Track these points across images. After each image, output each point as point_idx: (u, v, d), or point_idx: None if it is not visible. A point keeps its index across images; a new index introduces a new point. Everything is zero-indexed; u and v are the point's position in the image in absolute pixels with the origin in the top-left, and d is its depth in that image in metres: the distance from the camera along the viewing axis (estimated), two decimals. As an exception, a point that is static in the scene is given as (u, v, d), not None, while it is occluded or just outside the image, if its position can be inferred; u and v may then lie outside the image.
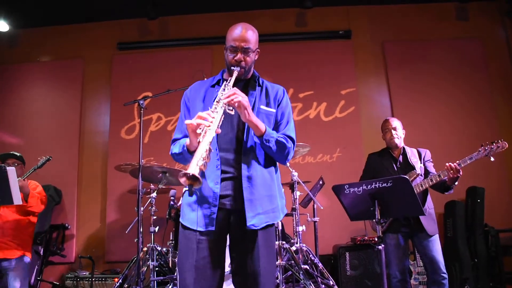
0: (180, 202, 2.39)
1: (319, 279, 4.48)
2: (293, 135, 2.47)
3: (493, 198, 5.80)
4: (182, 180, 1.84)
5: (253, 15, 6.79)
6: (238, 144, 2.33)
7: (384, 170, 3.97)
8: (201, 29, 6.69)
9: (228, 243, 2.37)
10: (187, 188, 1.89)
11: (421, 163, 3.94)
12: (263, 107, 2.43)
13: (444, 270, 3.67)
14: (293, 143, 2.45)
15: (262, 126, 2.27)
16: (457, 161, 3.56)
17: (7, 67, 6.84)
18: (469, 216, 5.65)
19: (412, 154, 3.99)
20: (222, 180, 2.28)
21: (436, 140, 6.01)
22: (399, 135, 4.02)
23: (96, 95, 6.79)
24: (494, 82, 6.45)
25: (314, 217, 5.06)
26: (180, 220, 2.37)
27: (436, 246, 3.72)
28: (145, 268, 4.65)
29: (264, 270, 2.25)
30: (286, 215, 4.82)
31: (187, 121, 2.11)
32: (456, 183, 3.65)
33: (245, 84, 2.51)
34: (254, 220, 2.25)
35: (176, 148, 2.38)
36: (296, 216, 4.74)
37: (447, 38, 6.65)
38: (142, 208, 4.49)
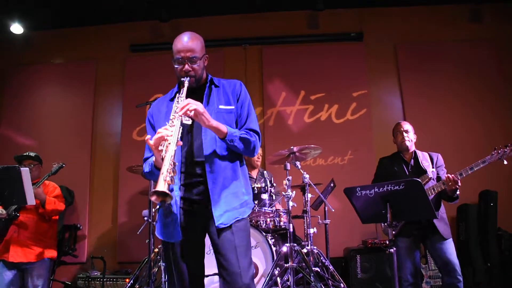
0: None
1: (330, 281, 4.47)
2: (256, 127, 2.52)
3: (506, 202, 5.72)
4: (153, 198, 1.94)
5: (264, 17, 6.82)
6: (198, 149, 2.39)
7: (395, 174, 3.93)
8: (213, 31, 6.70)
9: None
10: (158, 206, 2.03)
11: (433, 167, 3.91)
12: (222, 106, 2.48)
13: (460, 272, 3.63)
14: (258, 135, 2.50)
15: (223, 128, 2.33)
16: (457, 172, 3.53)
17: (21, 69, 6.92)
18: (482, 220, 5.60)
19: (423, 158, 3.95)
20: (190, 186, 2.37)
21: (449, 143, 5.98)
22: (410, 138, 3.99)
23: (108, 96, 6.85)
24: (508, 84, 6.38)
25: (325, 219, 5.04)
26: (156, 233, 2.47)
27: (451, 249, 3.69)
28: (156, 269, 4.68)
29: (242, 265, 2.33)
30: (297, 217, 4.89)
31: (149, 142, 2.18)
32: (458, 192, 3.61)
33: (201, 90, 2.53)
34: (222, 219, 2.33)
35: (146, 167, 2.46)
36: (307, 218, 4.74)
37: (460, 40, 6.60)
38: (153, 210, 4.51)
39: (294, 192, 4.45)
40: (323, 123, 6.47)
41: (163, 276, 4.58)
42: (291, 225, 4.34)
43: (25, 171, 3.57)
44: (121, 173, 6.34)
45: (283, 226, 4.66)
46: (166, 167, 1.99)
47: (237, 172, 2.47)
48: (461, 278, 3.63)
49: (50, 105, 6.81)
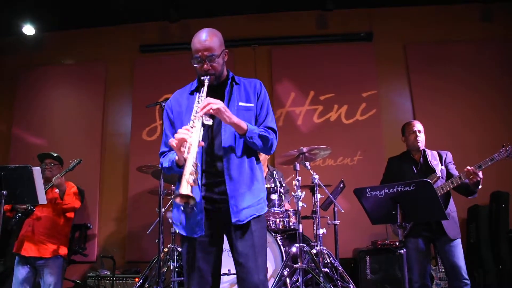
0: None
1: (339, 282, 4.46)
2: (274, 126, 2.55)
3: (518, 203, 5.66)
4: (177, 200, 1.97)
5: (274, 17, 6.82)
6: (216, 147, 2.41)
7: (404, 173, 3.91)
8: (222, 32, 6.65)
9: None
10: (182, 207, 2.07)
11: (442, 165, 3.88)
12: (242, 103, 2.50)
13: (466, 276, 3.59)
14: (275, 134, 2.53)
15: (243, 124, 2.34)
16: (478, 163, 3.51)
17: (32, 70, 6.98)
18: (493, 222, 5.55)
19: (432, 157, 3.93)
20: (209, 183, 2.39)
21: (458, 142, 5.94)
22: (422, 138, 3.97)
23: (118, 97, 6.90)
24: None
25: (334, 220, 5.04)
26: (175, 227, 2.49)
27: (458, 251, 3.65)
28: (165, 269, 4.69)
29: (259, 262, 2.36)
30: (307, 217, 4.88)
31: (170, 142, 2.19)
32: (480, 186, 3.58)
33: (221, 87, 2.55)
34: (240, 216, 2.35)
35: (166, 162, 2.45)
36: (317, 219, 4.73)
37: (471, 40, 6.56)
38: (163, 209, 4.53)
39: (303, 192, 4.44)
40: (332, 123, 6.46)
41: (172, 275, 4.60)
42: (300, 225, 4.33)
43: (36, 171, 3.60)
44: (131, 173, 6.37)
45: (292, 227, 4.66)
46: (188, 169, 2.00)
47: (254, 169, 2.49)
48: (468, 282, 3.59)
49: (61, 105, 6.86)
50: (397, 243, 3.06)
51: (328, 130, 6.41)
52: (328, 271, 4.45)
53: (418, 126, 4.01)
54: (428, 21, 6.68)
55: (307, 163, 4.72)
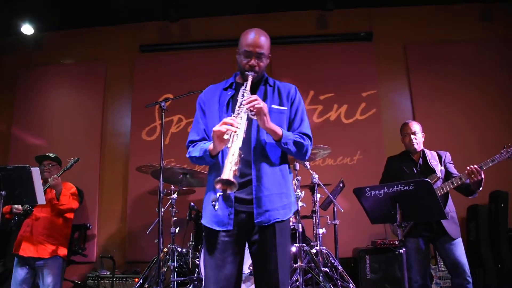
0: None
1: (339, 282, 4.46)
2: (309, 132, 2.53)
3: (518, 203, 5.66)
4: (218, 186, 1.95)
5: (274, 17, 6.81)
6: (249, 146, 2.39)
7: (404, 173, 3.92)
8: (222, 32, 6.72)
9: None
10: (221, 193, 2.02)
11: (441, 166, 3.89)
12: (274, 106, 2.49)
13: (469, 273, 3.61)
14: (310, 140, 2.51)
15: (279, 130, 2.34)
16: (479, 164, 3.50)
17: (32, 70, 6.98)
18: (492, 221, 5.55)
19: (432, 157, 3.94)
20: (239, 184, 2.33)
21: (458, 142, 5.94)
22: (418, 139, 3.96)
23: (118, 97, 6.89)
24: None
25: (334, 219, 5.03)
26: (202, 221, 2.47)
27: (460, 250, 3.66)
28: (165, 269, 4.69)
29: (280, 266, 2.32)
30: (306, 217, 4.88)
31: (215, 128, 2.18)
32: (481, 188, 3.58)
33: (257, 86, 2.55)
34: (262, 217, 2.33)
35: (196, 152, 2.44)
36: (316, 218, 4.73)
37: (471, 40, 6.55)
38: (162, 209, 4.53)
39: (303, 192, 4.44)
40: (332, 123, 6.45)
41: (172, 275, 4.60)
42: (300, 225, 4.33)
43: (35, 171, 3.60)
44: (130, 173, 6.37)
45: (292, 226, 4.65)
46: (234, 157, 2.01)
47: (283, 174, 2.47)
48: (470, 280, 3.61)
49: (61, 105, 6.86)
50: (397, 243, 3.05)
51: (328, 129, 6.40)
52: (328, 271, 4.44)
53: (414, 127, 4.00)
54: (428, 21, 6.67)
55: (307, 163, 4.72)
